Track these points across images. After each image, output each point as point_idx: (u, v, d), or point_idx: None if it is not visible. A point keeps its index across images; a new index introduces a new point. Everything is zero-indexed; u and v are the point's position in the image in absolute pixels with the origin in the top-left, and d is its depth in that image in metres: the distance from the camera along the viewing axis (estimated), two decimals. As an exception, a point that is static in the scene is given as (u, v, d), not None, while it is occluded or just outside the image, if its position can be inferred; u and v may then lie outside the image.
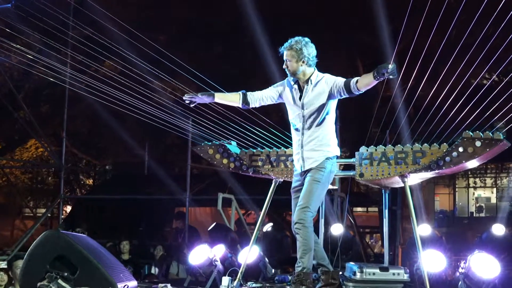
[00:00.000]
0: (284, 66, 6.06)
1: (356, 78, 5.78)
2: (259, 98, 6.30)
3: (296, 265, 5.86)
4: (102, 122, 15.96)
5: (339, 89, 5.86)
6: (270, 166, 6.86)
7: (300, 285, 5.75)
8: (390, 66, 5.33)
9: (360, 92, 5.82)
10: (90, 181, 28.22)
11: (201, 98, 6.23)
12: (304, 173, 6.07)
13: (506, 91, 7.42)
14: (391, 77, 5.40)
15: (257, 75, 15.50)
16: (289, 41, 5.98)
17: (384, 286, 6.13)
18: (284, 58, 6.02)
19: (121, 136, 16.53)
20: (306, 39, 5.99)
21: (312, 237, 5.87)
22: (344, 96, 5.95)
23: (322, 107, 5.97)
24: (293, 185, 6.27)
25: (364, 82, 5.68)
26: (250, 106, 6.37)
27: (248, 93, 6.32)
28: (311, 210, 5.83)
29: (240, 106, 6.37)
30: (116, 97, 7.86)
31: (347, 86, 5.80)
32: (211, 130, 7.57)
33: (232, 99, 6.32)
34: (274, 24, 13.76)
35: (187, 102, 6.30)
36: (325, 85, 5.95)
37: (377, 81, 5.53)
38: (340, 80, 5.88)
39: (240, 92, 6.33)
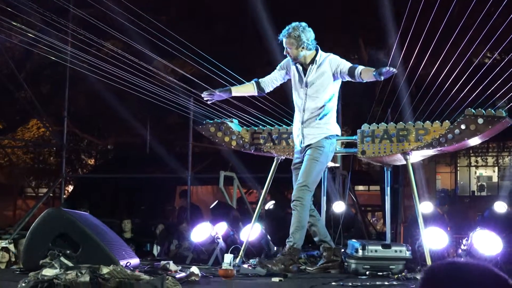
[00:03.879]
0: (285, 53, 6.16)
1: (360, 68, 5.91)
2: (270, 81, 6.47)
3: (287, 240, 5.92)
4: (104, 102, 15.90)
5: (342, 73, 5.99)
6: (271, 144, 6.88)
7: (290, 260, 5.80)
8: (383, 69, 5.57)
9: (362, 81, 6.01)
10: (92, 161, 28.20)
11: (219, 95, 6.42)
12: (303, 149, 6.11)
13: (507, 69, 7.41)
14: (382, 78, 5.66)
15: (259, 56, 15.46)
16: (287, 28, 6.06)
17: (386, 263, 6.14)
18: (284, 45, 6.09)
19: (122, 116, 16.49)
20: (303, 24, 6.05)
21: (307, 215, 5.97)
22: (346, 79, 6.08)
23: (324, 86, 6.05)
24: (293, 161, 6.32)
25: (366, 76, 5.85)
26: (265, 92, 6.55)
27: (260, 80, 6.49)
28: (309, 189, 5.93)
29: (256, 94, 6.57)
30: (117, 76, 7.85)
31: (351, 72, 5.94)
32: (212, 108, 7.57)
33: (248, 89, 6.56)
34: (275, 4, 13.68)
35: (205, 99, 6.48)
36: (328, 65, 6.03)
37: (375, 80, 5.77)
38: (345, 65, 5.99)
39: (253, 81, 6.51)
